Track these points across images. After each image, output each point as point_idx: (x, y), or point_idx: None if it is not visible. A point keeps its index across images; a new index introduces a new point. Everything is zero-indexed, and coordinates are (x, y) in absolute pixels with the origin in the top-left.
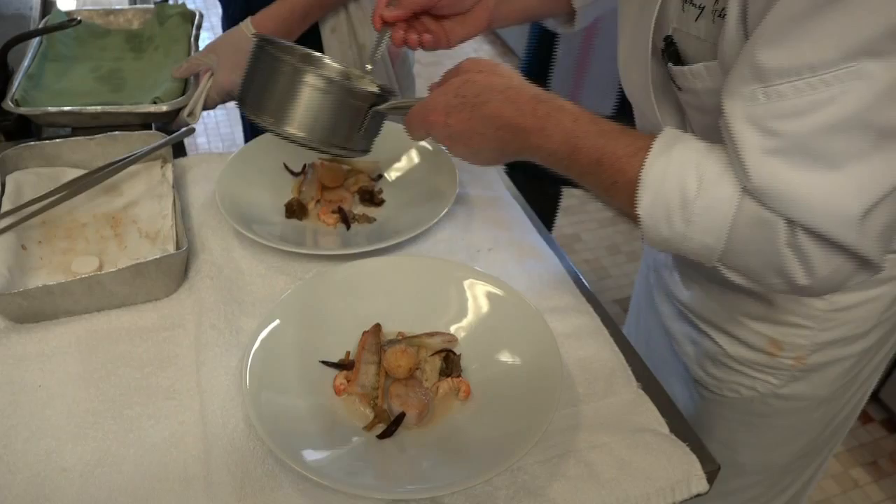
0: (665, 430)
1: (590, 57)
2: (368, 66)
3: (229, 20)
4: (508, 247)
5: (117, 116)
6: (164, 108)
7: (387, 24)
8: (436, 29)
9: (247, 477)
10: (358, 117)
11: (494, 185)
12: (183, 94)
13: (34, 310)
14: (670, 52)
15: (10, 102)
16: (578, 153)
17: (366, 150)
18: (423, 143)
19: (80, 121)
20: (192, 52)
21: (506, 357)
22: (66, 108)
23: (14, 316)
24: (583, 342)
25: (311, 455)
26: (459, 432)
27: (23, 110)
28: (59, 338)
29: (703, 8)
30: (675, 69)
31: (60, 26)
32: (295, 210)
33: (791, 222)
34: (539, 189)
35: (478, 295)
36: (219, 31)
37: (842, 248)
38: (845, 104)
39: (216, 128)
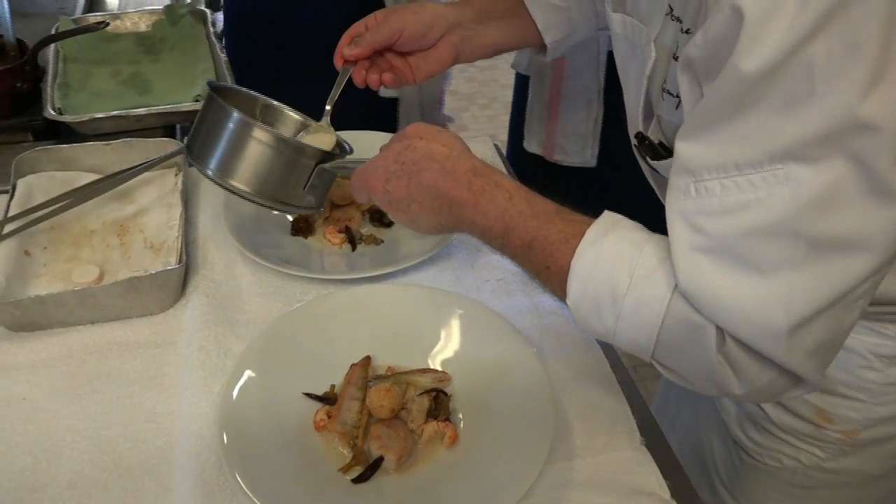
0: (666, 494)
1: (559, 106)
2: (328, 107)
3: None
4: (518, 278)
5: (161, 117)
6: None
7: (348, 62)
8: (400, 65)
9: None
10: (304, 174)
11: None
12: None
13: (27, 319)
14: (643, 148)
15: (51, 111)
16: (511, 234)
17: (313, 207)
18: None
19: (123, 125)
20: (215, 50)
21: (498, 401)
22: (114, 113)
23: (7, 324)
24: (586, 387)
25: (281, 496)
26: (441, 481)
27: (67, 119)
28: (51, 349)
29: (681, 98)
30: (654, 164)
31: (88, 29)
32: (301, 227)
33: (721, 329)
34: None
35: (476, 331)
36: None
37: (772, 362)
38: (771, 209)
39: None
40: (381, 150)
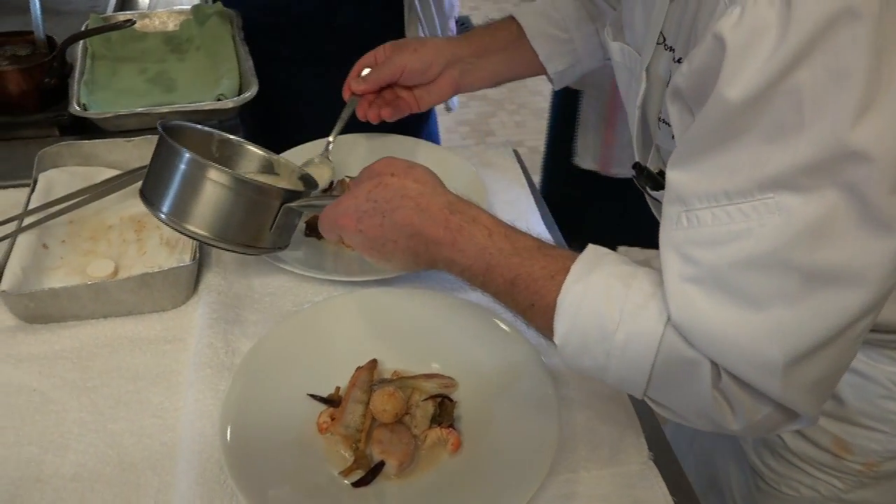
0: None
1: (618, 118)
2: (331, 138)
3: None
4: None
5: (183, 115)
6: (229, 104)
7: (355, 94)
8: (405, 96)
9: None
10: (268, 214)
11: (530, 216)
12: (240, 92)
13: (41, 311)
14: (642, 178)
15: (76, 107)
16: (493, 272)
17: (281, 247)
18: (453, 160)
19: (146, 122)
20: (240, 51)
21: (502, 409)
22: (138, 110)
23: (22, 316)
24: (595, 398)
25: (279, 497)
26: (442, 488)
27: (91, 115)
28: (63, 341)
29: None
30: (654, 194)
31: (115, 26)
32: (315, 229)
33: (716, 364)
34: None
35: (484, 338)
36: None
37: (768, 398)
38: (762, 239)
39: None
40: (349, 186)
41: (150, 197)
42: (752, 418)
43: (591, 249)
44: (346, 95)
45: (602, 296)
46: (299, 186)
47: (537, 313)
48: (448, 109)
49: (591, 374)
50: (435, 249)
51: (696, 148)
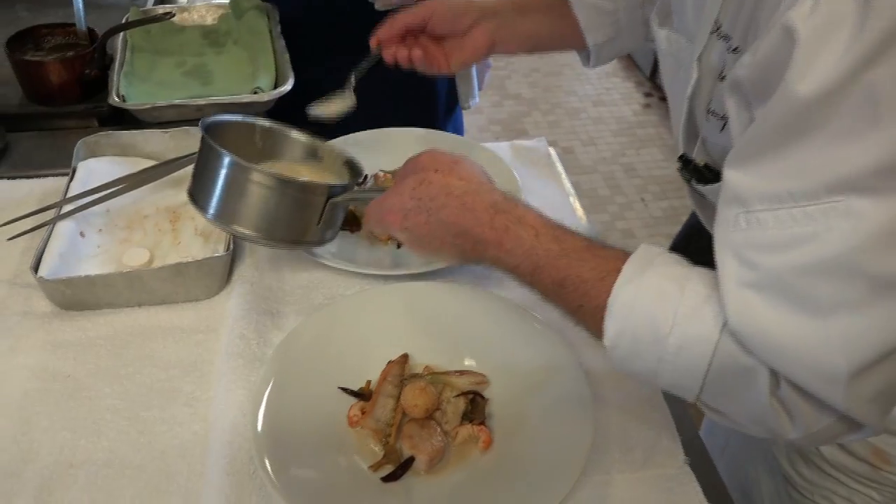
0: None
1: None
2: (353, 77)
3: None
4: None
5: (219, 108)
6: (265, 97)
7: (380, 43)
8: (434, 51)
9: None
10: (314, 211)
11: (565, 213)
12: (276, 85)
13: (77, 298)
14: (688, 171)
15: (115, 98)
16: (540, 272)
17: (326, 241)
18: (491, 156)
19: (183, 114)
20: (277, 45)
21: (535, 408)
22: (175, 102)
23: (58, 302)
24: (631, 399)
25: (308, 489)
26: (472, 486)
27: (130, 106)
28: (98, 328)
29: (726, 120)
30: (700, 188)
31: (155, 19)
32: (349, 221)
33: (775, 372)
34: None
35: (518, 335)
36: None
37: (831, 407)
38: (829, 244)
39: None
40: (395, 179)
41: (198, 198)
42: (811, 428)
43: (643, 249)
44: (373, 43)
45: (655, 298)
46: (344, 173)
47: (586, 314)
48: (467, 106)
49: (641, 378)
50: (482, 248)
51: (758, 146)
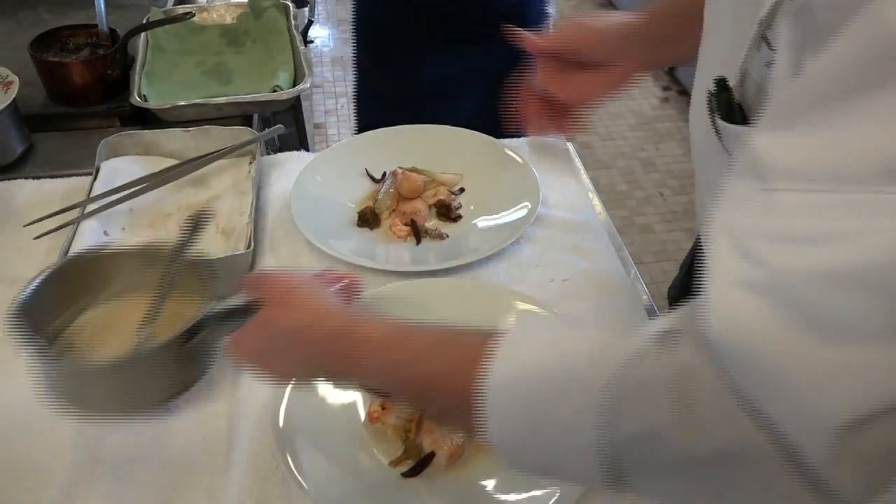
0: None
1: None
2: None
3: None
4: (586, 279)
5: (239, 107)
6: (284, 95)
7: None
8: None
9: (263, 500)
10: (165, 370)
11: (584, 209)
12: (295, 83)
13: None
14: (720, 100)
15: (137, 98)
16: (402, 385)
17: (209, 368)
18: (510, 155)
19: (203, 113)
20: (294, 43)
21: None
22: (196, 101)
23: None
24: None
25: (329, 483)
26: (492, 481)
27: (151, 106)
28: None
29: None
30: (721, 125)
31: (175, 19)
32: (368, 219)
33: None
34: None
35: None
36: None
37: (799, 467)
38: (870, 248)
39: (347, 119)
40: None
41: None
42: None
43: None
44: (532, 49)
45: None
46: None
47: (462, 411)
48: None
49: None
50: (342, 376)
51: (807, 100)
